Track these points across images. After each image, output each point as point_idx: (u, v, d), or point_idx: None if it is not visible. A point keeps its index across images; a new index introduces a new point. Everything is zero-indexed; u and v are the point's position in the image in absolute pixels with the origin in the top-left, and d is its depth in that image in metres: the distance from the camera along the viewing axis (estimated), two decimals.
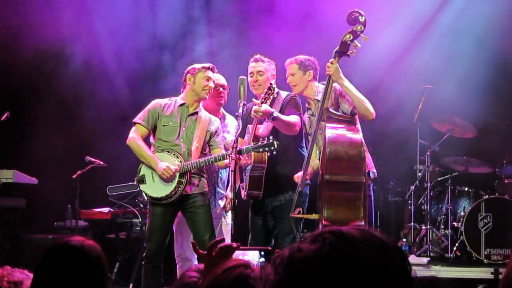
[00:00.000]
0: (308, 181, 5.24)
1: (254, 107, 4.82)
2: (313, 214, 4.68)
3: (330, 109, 4.75)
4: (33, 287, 2.28)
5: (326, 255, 1.15)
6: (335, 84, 4.81)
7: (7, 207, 7.04)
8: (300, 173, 5.00)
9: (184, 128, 5.22)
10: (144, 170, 5.21)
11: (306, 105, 5.23)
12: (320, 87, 5.10)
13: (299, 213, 4.83)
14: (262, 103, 4.83)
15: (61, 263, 2.26)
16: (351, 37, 4.60)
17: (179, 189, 5.11)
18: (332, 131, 4.57)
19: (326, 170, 4.45)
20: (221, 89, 5.53)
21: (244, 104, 4.88)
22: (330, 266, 1.14)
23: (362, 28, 4.58)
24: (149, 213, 5.28)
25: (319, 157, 5.08)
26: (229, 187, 5.11)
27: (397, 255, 1.21)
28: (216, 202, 5.57)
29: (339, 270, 1.14)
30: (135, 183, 5.33)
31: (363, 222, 4.42)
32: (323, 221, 4.39)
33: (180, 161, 5.11)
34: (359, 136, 4.60)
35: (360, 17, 4.59)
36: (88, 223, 7.25)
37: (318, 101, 5.00)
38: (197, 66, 5.26)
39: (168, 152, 5.16)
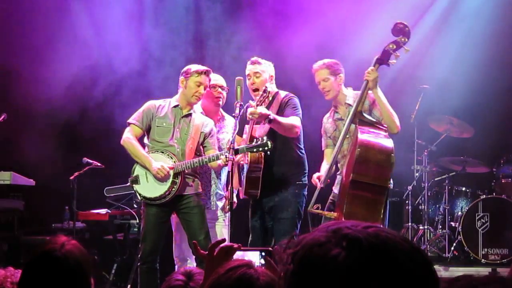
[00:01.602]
0: (306, 182, 5.25)
1: (250, 109, 4.81)
2: (332, 212, 4.72)
3: (363, 113, 4.81)
4: None
5: (341, 266, 1.12)
6: (369, 92, 4.87)
7: (4, 209, 7.02)
8: (321, 173, 5.03)
9: (178, 130, 5.23)
10: (138, 170, 5.22)
11: (333, 108, 5.20)
12: (350, 91, 5.11)
13: (317, 209, 4.86)
14: (257, 105, 4.83)
15: (40, 274, 2.25)
16: (394, 47, 4.72)
17: (173, 189, 5.11)
18: (365, 134, 4.64)
19: (354, 170, 4.52)
20: (219, 89, 5.52)
21: (241, 105, 4.88)
22: (344, 277, 1.11)
23: (406, 40, 4.70)
24: (143, 213, 5.29)
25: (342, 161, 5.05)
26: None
27: (423, 269, 1.15)
28: (215, 202, 5.57)
29: (352, 283, 1.12)
30: (129, 183, 5.34)
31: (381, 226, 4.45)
32: (343, 219, 4.43)
33: (174, 162, 5.11)
34: (390, 143, 4.67)
35: (405, 29, 4.69)
36: (85, 225, 7.24)
37: (349, 105, 5.00)
38: (192, 68, 5.24)
39: (162, 152, 5.17)
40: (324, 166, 5.20)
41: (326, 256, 1.13)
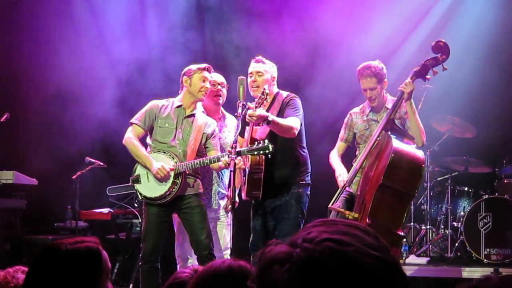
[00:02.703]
0: (309, 181, 5.25)
1: (249, 111, 4.79)
2: (352, 212, 4.74)
3: (396, 122, 4.92)
4: None
5: (288, 286, 1.13)
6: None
7: (7, 208, 7.03)
8: (343, 174, 5.05)
9: (180, 130, 5.22)
10: (139, 170, 5.23)
11: (369, 107, 5.22)
12: (388, 96, 5.18)
13: (338, 207, 4.89)
14: (256, 107, 4.83)
15: (47, 268, 2.24)
16: (433, 63, 4.88)
17: (174, 189, 5.11)
18: (398, 141, 4.75)
19: (385, 174, 4.59)
20: (219, 87, 5.52)
21: (243, 105, 4.87)
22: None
23: (445, 59, 4.87)
24: (144, 213, 5.29)
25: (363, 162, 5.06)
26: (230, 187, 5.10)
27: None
28: (217, 201, 5.56)
29: None
30: (130, 183, 5.34)
31: (402, 233, 4.73)
32: (367, 221, 4.48)
33: (176, 162, 5.12)
34: (422, 154, 4.83)
35: (445, 47, 4.88)
36: (88, 224, 7.26)
37: (388, 109, 5.04)
38: (193, 67, 5.25)
39: (164, 152, 5.17)
40: (336, 158, 5.26)
41: (272, 278, 1.14)
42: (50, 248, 2.29)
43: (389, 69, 5.34)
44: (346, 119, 5.38)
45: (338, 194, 4.93)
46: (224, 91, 5.56)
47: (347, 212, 4.80)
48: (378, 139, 4.89)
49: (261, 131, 5.08)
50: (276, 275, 1.14)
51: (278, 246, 1.19)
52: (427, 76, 4.91)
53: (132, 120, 5.30)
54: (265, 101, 4.91)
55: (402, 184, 4.65)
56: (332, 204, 4.89)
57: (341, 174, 5.07)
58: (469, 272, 6.42)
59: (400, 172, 4.64)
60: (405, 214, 4.72)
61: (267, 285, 1.15)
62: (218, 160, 5.00)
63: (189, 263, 5.37)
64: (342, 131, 5.39)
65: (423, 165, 4.80)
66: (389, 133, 4.81)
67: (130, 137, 5.22)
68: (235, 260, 2.10)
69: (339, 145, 5.38)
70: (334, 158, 5.29)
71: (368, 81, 5.08)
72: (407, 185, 4.68)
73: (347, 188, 5.03)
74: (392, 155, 4.61)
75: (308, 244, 1.15)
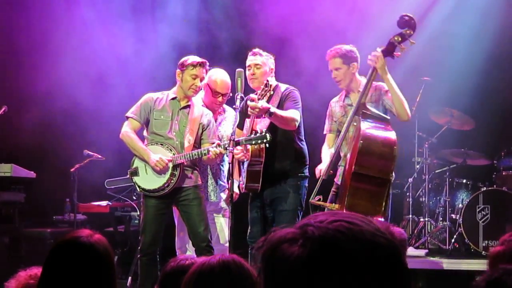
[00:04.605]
0: (307, 174, 5.25)
1: (251, 103, 4.79)
2: (333, 204, 4.70)
3: (367, 105, 4.78)
4: (41, 283, 2.26)
5: (295, 263, 1.12)
6: (380, 83, 4.86)
7: (5, 201, 7.02)
8: (323, 165, 5.00)
9: (176, 122, 5.23)
10: (137, 163, 5.24)
11: (344, 93, 5.19)
12: (363, 79, 5.07)
13: (319, 200, 4.84)
14: (258, 99, 4.82)
15: (69, 260, 2.23)
16: (399, 39, 4.68)
17: (172, 181, 5.12)
18: (368, 125, 4.61)
19: (356, 162, 4.49)
20: (220, 98, 5.48)
21: (241, 97, 4.88)
22: (307, 272, 1.13)
23: (411, 33, 4.66)
24: (142, 205, 5.30)
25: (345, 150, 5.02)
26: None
27: (382, 264, 1.15)
28: (217, 194, 5.56)
29: (317, 278, 1.12)
30: (128, 176, 5.34)
31: (382, 219, 4.49)
32: (345, 211, 4.41)
33: (174, 154, 5.12)
34: (393, 135, 4.63)
35: (411, 21, 4.66)
36: (86, 217, 7.26)
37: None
38: (188, 61, 5.21)
39: (162, 145, 5.17)
40: (326, 151, 5.20)
41: (284, 254, 1.14)
42: (71, 239, 2.28)
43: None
44: (328, 110, 5.34)
45: (318, 187, 4.89)
46: (225, 98, 5.52)
47: (328, 204, 4.79)
48: (354, 124, 4.82)
49: (262, 123, 5.09)
50: (288, 252, 1.14)
51: (284, 229, 1.20)
52: (395, 53, 4.73)
53: (128, 114, 5.30)
54: (268, 93, 4.91)
55: (376, 169, 4.52)
56: (313, 198, 4.86)
57: (320, 168, 5.05)
58: (467, 264, 6.42)
59: (371, 158, 4.51)
60: (384, 200, 4.54)
61: (277, 264, 1.15)
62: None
63: (187, 254, 5.38)
64: (326, 123, 5.35)
65: (395, 147, 4.57)
66: (360, 117, 4.70)
67: (127, 131, 5.23)
68: (224, 254, 2.10)
69: (328, 138, 5.33)
70: (323, 152, 5.25)
71: (333, 62, 5.06)
72: (380, 170, 4.54)
73: (335, 181, 5.02)
74: (361, 141, 4.49)
75: (321, 224, 1.16)
